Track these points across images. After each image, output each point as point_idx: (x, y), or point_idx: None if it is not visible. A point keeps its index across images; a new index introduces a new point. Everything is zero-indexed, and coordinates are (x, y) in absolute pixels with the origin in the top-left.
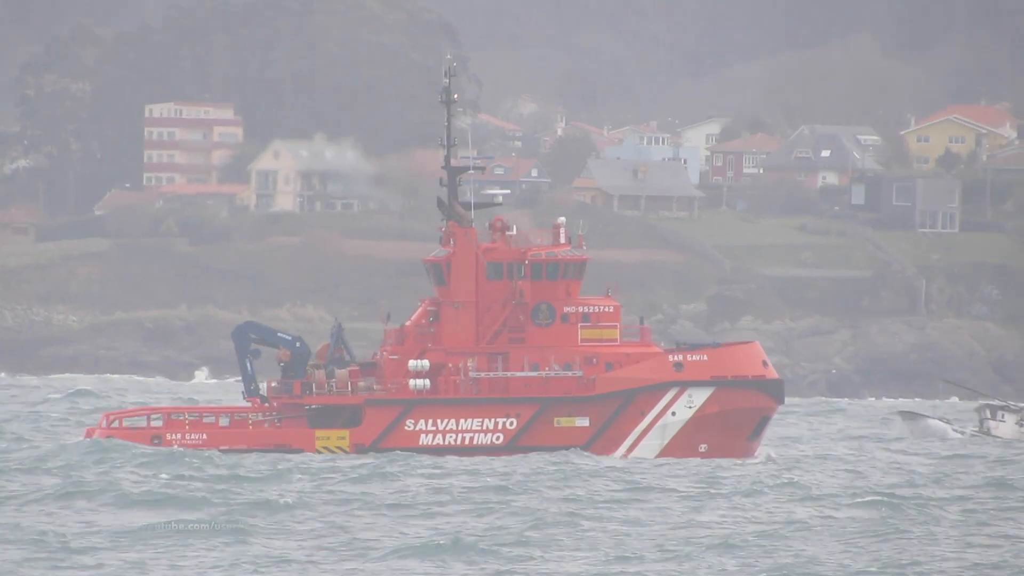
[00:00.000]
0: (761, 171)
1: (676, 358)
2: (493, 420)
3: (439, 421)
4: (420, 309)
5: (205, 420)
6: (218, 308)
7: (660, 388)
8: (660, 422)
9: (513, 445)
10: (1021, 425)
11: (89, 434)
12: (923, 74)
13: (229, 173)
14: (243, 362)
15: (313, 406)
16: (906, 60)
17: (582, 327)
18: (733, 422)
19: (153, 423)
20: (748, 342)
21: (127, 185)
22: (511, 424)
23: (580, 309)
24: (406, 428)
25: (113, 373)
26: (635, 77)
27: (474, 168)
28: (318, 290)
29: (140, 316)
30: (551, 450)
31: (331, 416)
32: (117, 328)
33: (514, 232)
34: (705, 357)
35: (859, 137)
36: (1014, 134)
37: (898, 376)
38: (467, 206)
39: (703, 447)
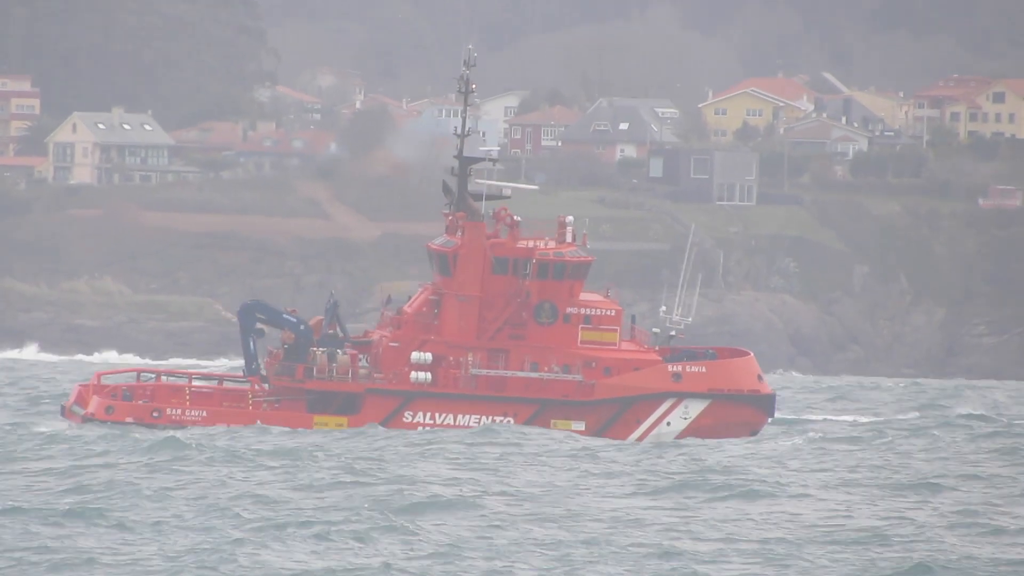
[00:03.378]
0: (559, 144)
1: (675, 369)
2: (491, 418)
3: (437, 415)
4: (421, 296)
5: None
6: (16, 280)
7: (658, 397)
8: (655, 431)
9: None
10: None
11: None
12: (721, 47)
13: (27, 145)
14: (247, 341)
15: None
16: (704, 33)
17: (583, 328)
18: (725, 434)
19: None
20: (744, 354)
21: None
22: (508, 423)
23: (582, 311)
24: (404, 419)
25: None
26: (434, 49)
27: (488, 160)
28: (117, 262)
29: None
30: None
31: (330, 400)
32: None
33: (519, 221)
34: (704, 369)
35: (657, 110)
36: (811, 107)
37: None
38: (476, 197)
39: None
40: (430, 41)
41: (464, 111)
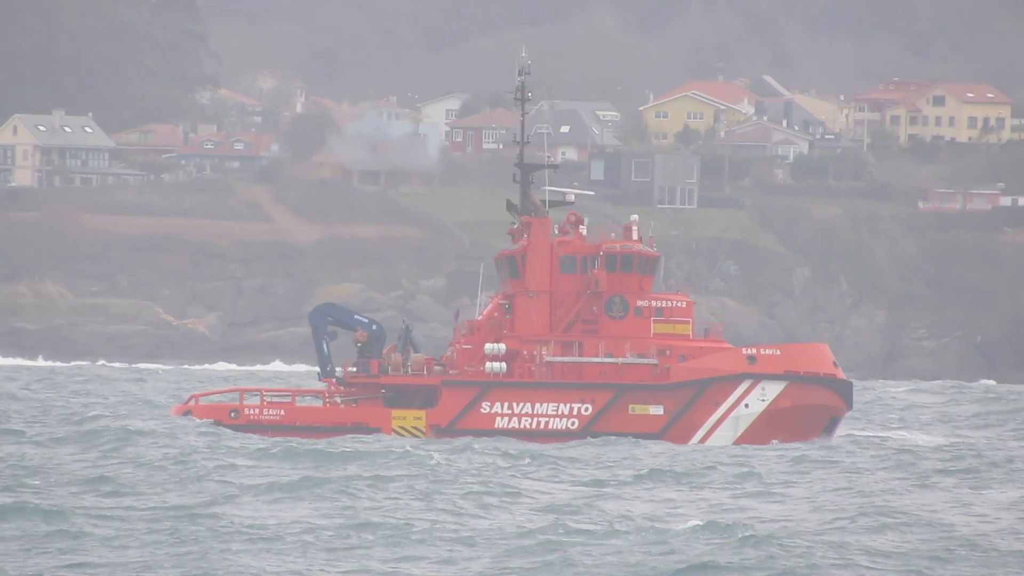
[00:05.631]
0: (500, 147)
1: (749, 352)
2: (568, 405)
3: (515, 404)
4: (491, 304)
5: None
6: None
7: (734, 379)
8: (733, 413)
9: (587, 430)
10: None
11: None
12: (662, 50)
13: None
14: (319, 343)
15: (390, 386)
16: (645, 36)
17: (655, 321)
18: (805, 418)
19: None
20: (818, 343)
21: None
22: (586, 410)
23: (653, 303)
24: (482, 411)
25: None
26: (375, 52)
27: (548, 167)
28: (57, 265)
29: None
30: (625, 436)
31: (407, 397)
32: None
33: (585, 226)
34: (778, 352)
35: (598, 113)
36: (751, 110)
37: None
38: (541, 203)
39: (775, 441)
40: (371, 44)
41: (523, 119)
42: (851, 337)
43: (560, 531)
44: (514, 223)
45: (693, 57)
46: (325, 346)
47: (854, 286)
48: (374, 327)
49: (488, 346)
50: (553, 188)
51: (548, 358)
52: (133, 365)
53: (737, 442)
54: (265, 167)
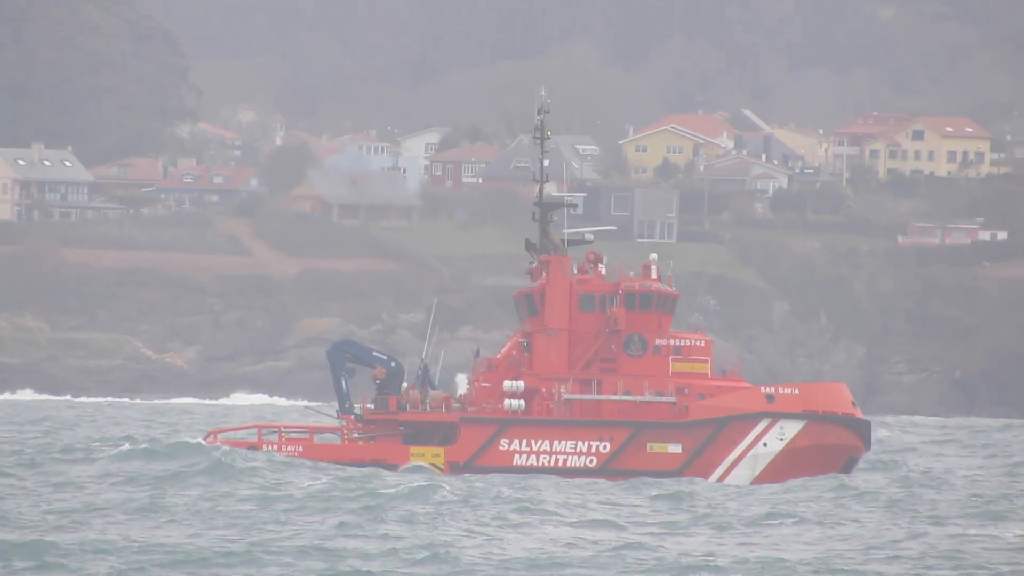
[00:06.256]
0: (480, 180)
1: (768, 390)
2: (587, 443)
3: (533, 442)
4: (510, 342)
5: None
6: None
7: (752, 418)
8: (752, 452)
9: (606, 468)
10: None
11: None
12: (641, 83)
13: None
14: (338, 380)
15: (408, 423)
16: (625, 69)
17: (673, 360)
18: (823, 457)
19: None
20: (836, 383)
21: None
22: (604, 448)
23: (672, 342)
24: (500, 447)
25: None
26: (355, 86)
27: (567, 206)
28: (36, 299)
29: None
30: (643, 475)
31: (426, 434)
32: None
33: (604, 265)
34: (797, 391)
35: (578, 147)
36: (731, 144)
37: None
38: (561, 242)
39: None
40: (351, 77)
41: (542, 157)
42: (830, 372)
43: None
44: (532, 262)
45: (672, 90)
46: (344, 383)
47: (833, 320)
48: (393, 364)
49: (507, 383)
50: (573, 230)
51: (567, 396)
52: (111, 400)
53: (754, 482)
54: (244, 201)
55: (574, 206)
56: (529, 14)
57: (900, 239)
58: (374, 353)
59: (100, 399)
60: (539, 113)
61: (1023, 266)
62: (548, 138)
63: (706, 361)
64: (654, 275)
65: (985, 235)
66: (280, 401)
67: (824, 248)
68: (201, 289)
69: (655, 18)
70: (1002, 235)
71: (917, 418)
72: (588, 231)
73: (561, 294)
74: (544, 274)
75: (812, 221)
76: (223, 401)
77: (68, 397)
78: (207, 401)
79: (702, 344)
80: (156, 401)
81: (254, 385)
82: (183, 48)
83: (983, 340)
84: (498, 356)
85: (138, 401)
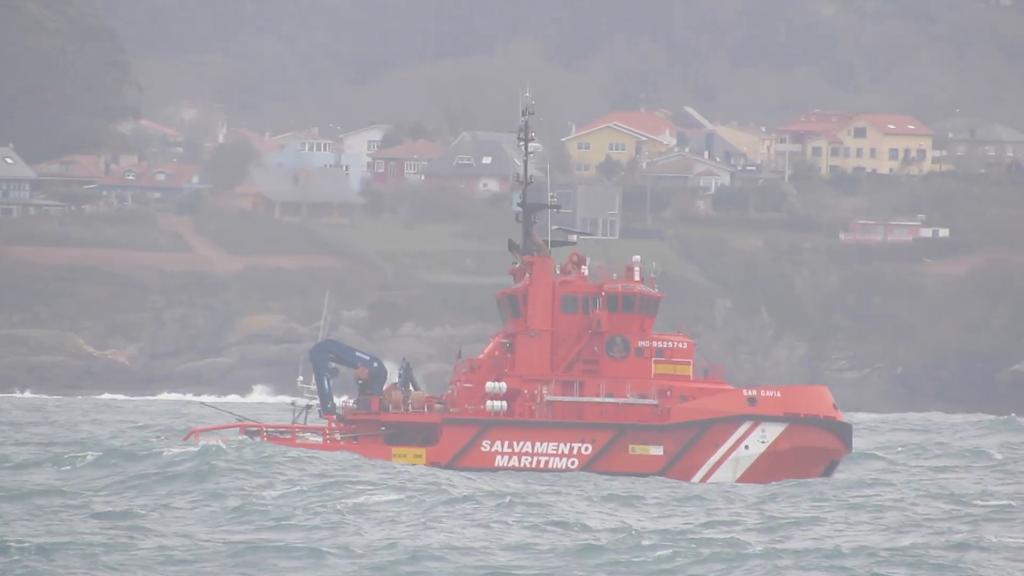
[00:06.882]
0: (423, 177)
1: (750, 393)
2: (569, 444)
3: (515, 443)
4: (492, 343)
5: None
6: None
7: (734, 420)
8: (733, 455)
9: (588, 470)
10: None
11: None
12: (584, 81)
13: None
14: (321, 380)
15: (390, 423)
16: (568, 67)
17: (656, 362)
18: (804, 460)
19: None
20: (818, 386)
21: None
22: (586, 449)
23: (654, 344)
24: (482, 448)
25: None
26: (297, 83)
27: (551, 207)
28: None
29: None
30: (625, 476)
31: (408, 434)
32: None
33: (587, 267)
34: (778, 394)
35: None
36: (673, 141)
37: None
38: (542, 244)
39: (774, 484)
40: (293, 74)
41: (526, 158)
42: (772, 369)
43: None
44: (515, 262)
45: (615, 88)
46: (326, 383)
47: (776, 317)
48: (375, 364)
49: (489, 384)
50: (556, 227)
51: (549, 397)
52: (52, 397)
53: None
54: (186, 198)
55: (558, 207)
56: (472, 12)
57: (842, 236)
58: (357, 353)
59: (47, 396)
60: (523, 115)
61: (964, 263)
62: (532, 139)
63: (688, 363)
64: (637, 277)
65: (927, 232)
66: (209, 399)
67: (766, 245)
68: (143, 286)
69: (598, 16)
70: (943, 232)
71: (859, 415)
72: (573, 232)
73: (544, 295)
74: (527, 275)
75: (754, 218)
76: (160, 397)
77: (16, 394)
78: (135, 398)
79: (684, 346)
80: (104, 396)
81: (195, 382)
82: (125, 45)
83: (925, 336)
84: (480, 357)
85: (79, 398)
